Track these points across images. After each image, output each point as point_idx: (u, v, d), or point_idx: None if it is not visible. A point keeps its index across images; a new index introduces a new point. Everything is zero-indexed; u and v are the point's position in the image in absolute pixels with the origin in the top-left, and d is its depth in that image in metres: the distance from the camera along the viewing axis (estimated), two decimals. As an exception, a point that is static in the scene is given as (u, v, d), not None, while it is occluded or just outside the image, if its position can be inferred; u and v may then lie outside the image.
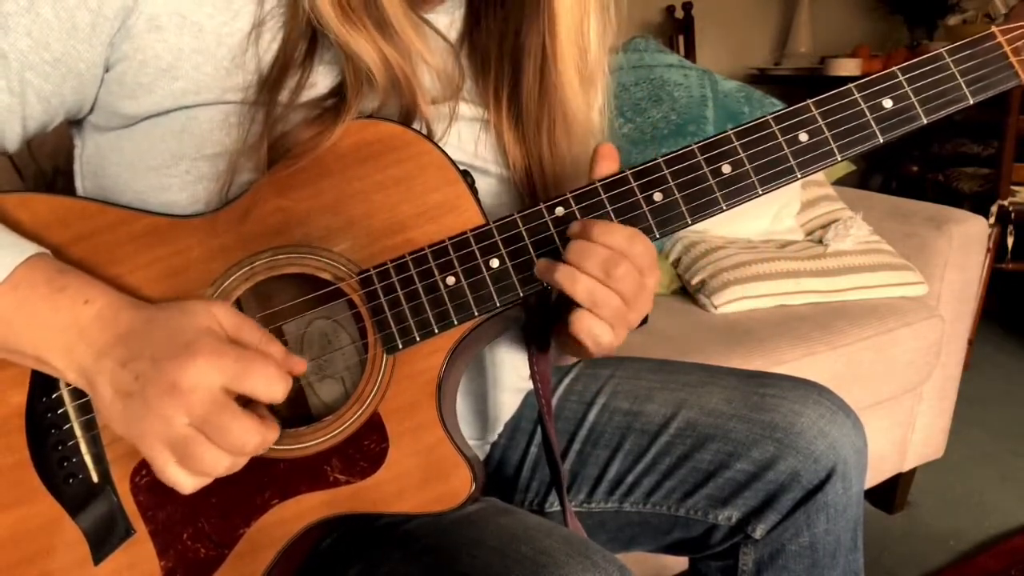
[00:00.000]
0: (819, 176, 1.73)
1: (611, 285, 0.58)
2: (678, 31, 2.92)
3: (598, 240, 0.58)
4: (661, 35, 2.97)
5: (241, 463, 0.54)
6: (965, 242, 1.54)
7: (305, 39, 0.61)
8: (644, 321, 0.64)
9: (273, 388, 0.53)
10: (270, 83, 0.61)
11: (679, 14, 2.91)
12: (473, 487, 0.60)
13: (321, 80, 0.62)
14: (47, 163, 0.96)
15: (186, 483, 0.53)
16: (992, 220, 2.21)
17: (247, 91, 0.61)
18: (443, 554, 0.62)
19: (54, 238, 0.60)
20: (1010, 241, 2.27)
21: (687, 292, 1.53)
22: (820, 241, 1.58)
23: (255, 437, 0.53)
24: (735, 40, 3.20)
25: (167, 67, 0.60)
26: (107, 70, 0.62)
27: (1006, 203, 2.25)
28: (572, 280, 0.58)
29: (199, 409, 0.51)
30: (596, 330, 0.59)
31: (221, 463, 0.53)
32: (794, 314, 1.42)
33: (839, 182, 1.96)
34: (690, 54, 2.84)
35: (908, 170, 3.05)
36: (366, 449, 0.60)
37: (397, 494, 0.61)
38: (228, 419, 0.52)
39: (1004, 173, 2.24)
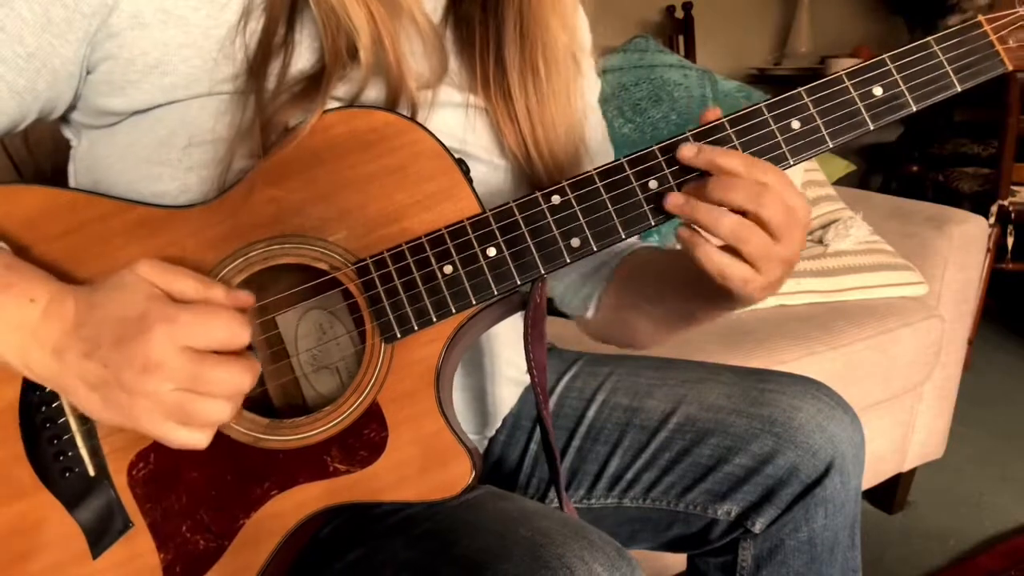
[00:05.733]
0: (819, 176, 1.73)
1: (761, 214, 0.58)
2: (678, 31, 2.92)
3: (737, 170, 0.59)
4: (661, 35, 2.96)
5: (240, 402, 0.55)
6: (965, 242, 1.54)
7: (285, 16, 0.61)
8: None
9: (235, 333, 0.53)
10: (255, 68, 0.61)
11: (679, 14, 2.91)
12: (473, 475, 0.60)
13: (304, 58, 0.62)
14: (46, 162, 0.96)
15: (199, 440, 0.54)
16: (992, 220, 2.21)
17: (237, 80, 0.61)
18: (442, 538, 0.62)
19: (43, 230, 0.59)
20: (1010, 241, 2.27)
21: (687, 291, 1.53)
22: (820, 241, 1.57)
23: (245, 375, 0.54)
24: (735, 40, 3.20)
25: (155, 63, 0.60)
26: (90, 71, 0.62)
27: (1006, 203, 2.25)
28: (717, 217, 0.58)
29: (180, 374, 0.51)
30: (741, 272, 0.60)
31: (224, 410, 0.54)
32: (794, 314, 1.42)
33: (839, 182, 1.96)
34: (690, 54, 2.84)
35: (908, 170, 3.05)
36: (366, 438, 0.60)
37: (397, 483, 0.61)
38: (211, 370, 0.52)
39: (1004, 173, 2.24)
